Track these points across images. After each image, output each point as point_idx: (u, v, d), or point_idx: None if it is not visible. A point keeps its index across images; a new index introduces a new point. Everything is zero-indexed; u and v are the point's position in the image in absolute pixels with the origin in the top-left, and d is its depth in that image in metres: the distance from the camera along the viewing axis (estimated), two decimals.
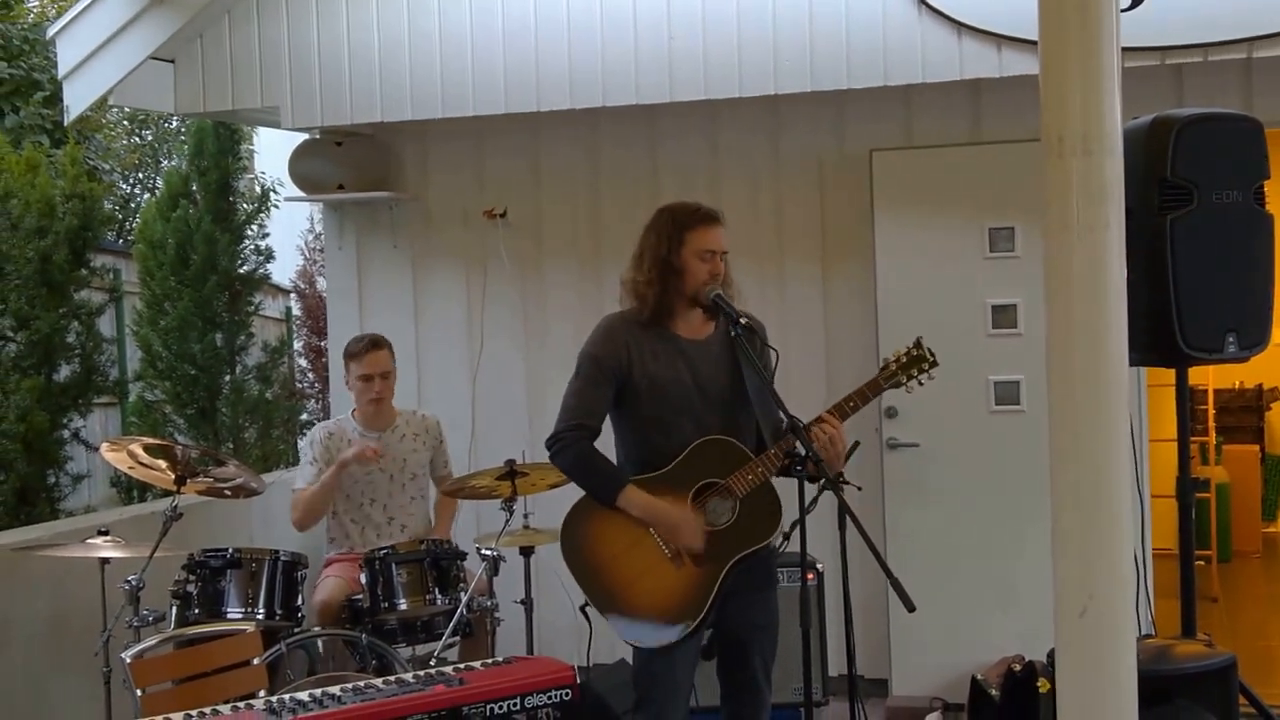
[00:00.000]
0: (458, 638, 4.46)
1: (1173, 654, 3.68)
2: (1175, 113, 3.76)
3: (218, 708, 3.02)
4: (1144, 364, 3.99)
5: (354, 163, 6.06)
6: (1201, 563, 6.44)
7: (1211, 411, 8.17)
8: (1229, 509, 8.15)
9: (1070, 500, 2.36)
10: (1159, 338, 3.68)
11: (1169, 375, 3.99)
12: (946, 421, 5.35)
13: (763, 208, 5.77)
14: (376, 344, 4.99)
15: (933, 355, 3.66)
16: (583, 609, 3.72)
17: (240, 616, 4.25)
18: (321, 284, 10.06)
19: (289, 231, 10.60)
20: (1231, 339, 3.73)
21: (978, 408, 5.39)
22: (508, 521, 4.45)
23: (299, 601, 4.42)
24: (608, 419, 3.68)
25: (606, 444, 3.68)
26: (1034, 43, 4.70)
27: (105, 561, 4.24)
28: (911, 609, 3.19)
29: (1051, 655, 3.88)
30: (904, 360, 3.66)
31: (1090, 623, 2.32)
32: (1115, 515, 2.35)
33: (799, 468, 3.44)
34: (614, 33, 5.29)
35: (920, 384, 3.68)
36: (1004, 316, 5.37)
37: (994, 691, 4.67)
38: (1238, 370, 8.61)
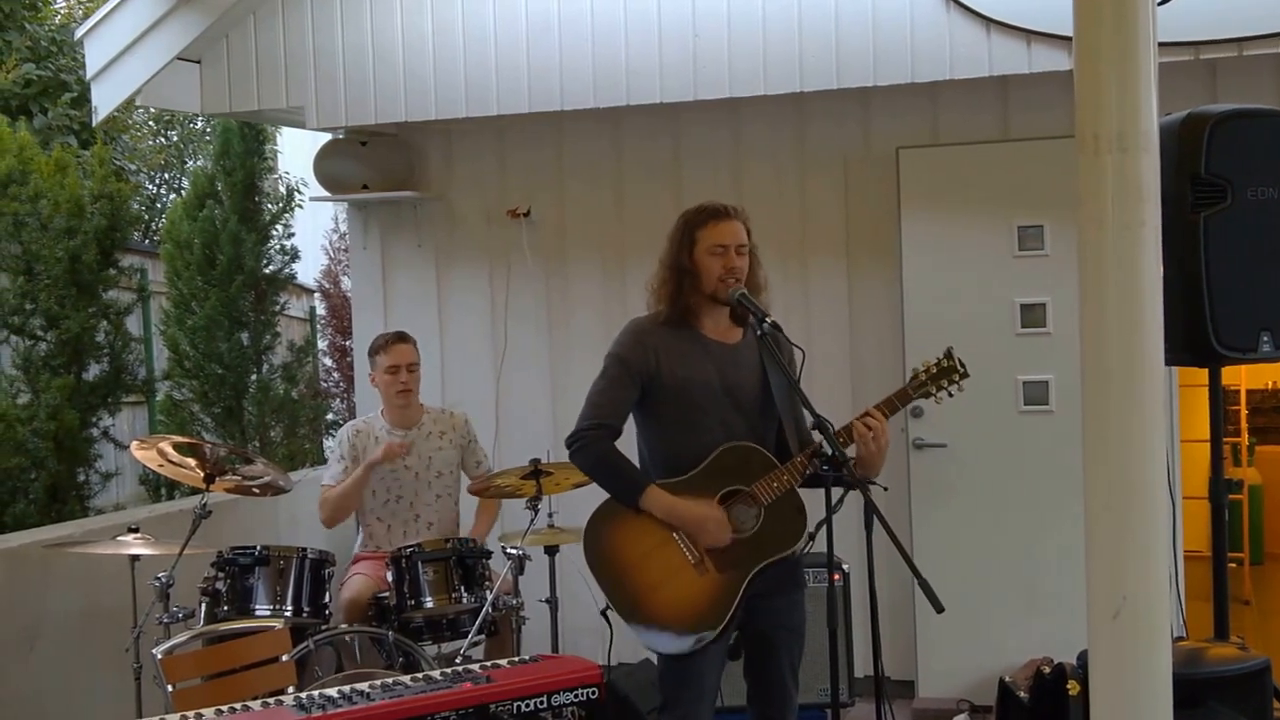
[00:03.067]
0: (483, 636, 4.46)
1: (1206, 657, 3.64)
2: (1209, 109, 3.72)
3: (248, 703, 3.03)
4: (1177, 363, 3.95)
5: (378, 162, 6.08)
6: (1234, 565, 6.39)
7: (1244, 412, 8.11)
8: (1262, 511, 8.09)
9: (1104, 501, 2.34)
10: (1192, 337, 3.64)
11: (1201, 375, 3.95)
12: (974, 422, 5.32)
13: (788, 205, 5.75)
14: (402, 337, 5.03)
15: (963, 366, 3.62)
16: (604, 612, 3.71)
17: (269, 613, 4.27)
18: (346, 284, 10.09)
19: (313, 231, 10.62)
20: (1266, 338, 3.68)
21: (1006, 408, 5.36)
22: (533, 521, 4.45)
23: (326, 599, 4.43)
24: (632, 421, 3.67)
25: (629, 447, 3.67)
26: (1064, 38, 4.72)
27: (135, 559, 4.28)
28: (940, 610, 3.17)
29: (1081, 657, 3.86)
30: (934, 371, 3.62)
31: (1124, 624, 2.30)
32: (1150, 515, 2.32)
33: (826, 468, 3.42)
34: (638, 31, 5.28)
35: (950, 395, 3.65)
36: (1032, 315, 5.33)
37: (1022, 694, 4.63)
38: (1270, 370, 8.54)
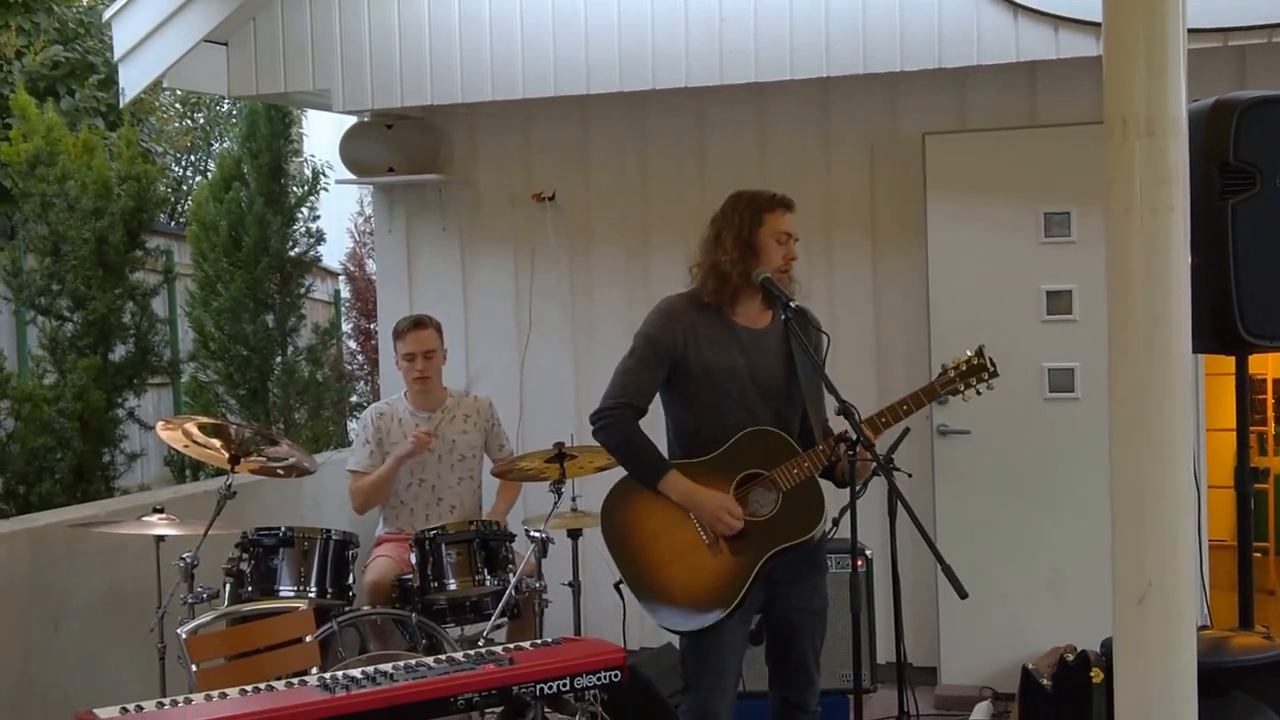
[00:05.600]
0: (506, 618, 4.47)
1: (1230, 646, 3.63)
2: (1238, 95, 3.68)
3: (271, 684, 3.05)
4: (1204, 351, 3.92)
5: (404, 146, 6.09)
6: (1259, 554, 6.36)
7: (1271, 401, 8.03)
8: None
9: (1130, 488, 2.33)
10: (1219, 324, 3.61)
11: (1228, 364, 3.92)
12: (999, 409, 5.27)
13: (813, 192, 5.72)
14: (419, 323, 5.02)
15: (994, 365, 3.62)
16: (617, 586, 3.73)
17: (293, 594, 4.28)
18: (371, 267, 10.12)
19: (339, 214, 10.65)
20: None
21: (1031, 395, 5.34)
22: (556, 504, 4.46)
23: (350, 580, 4.45)
24: (660, 399, 3.68)
25: (655, 426, 3.68)
26: (1092, 24, 4.68)
27: (160, 539, 4.30)
28: (964, 595, 3.18)
29: (1105, 645, 3.84)
30: (964, 369, 3.62)
31: (1149, 610, 2.29)
32: (1175, 503, 2.32)
33: (851, 453, 3.42)
34: (664, 14, 5.27)
35: (979, 393, 3.64)
36: (1059, 302, 5.31)
37: (1045, 681, 4.62)
38: None
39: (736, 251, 3.58)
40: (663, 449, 3.65)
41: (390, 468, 4.87)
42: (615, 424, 3.59)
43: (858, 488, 3.47)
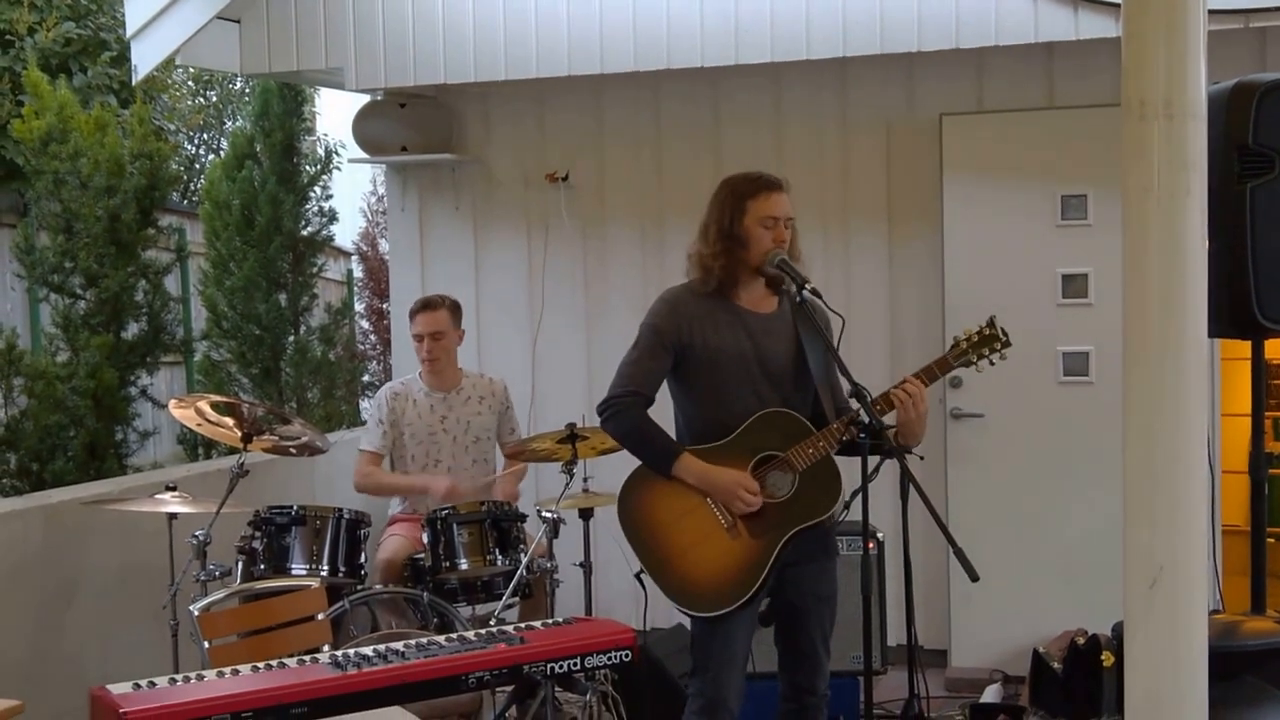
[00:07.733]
0: (517, 598, 4.49)
1: (1242, 630, 3.62)
2: (1258, 78, 3.65)
3: (283, 660, 3.06)
4: (1220, 335, 3.90)
5: (417, 125, 6.08)
6: (1272, 540, 6.33)
7: None
8: None
9: (1143, 472, 2.32)
10: (1235, 309, 3.59)
11: (1243, 348, 3.90)
12: (1012, 392, 5.28)
13: (829, 173, 5.71)
14: (428, 304, 5.02)
15: (1006, 335, 3.59)
16: (638, 576, 3.73)
17: (305, 573, 4.30)
18: (383, 246, 10.11)
19: (352, 193, 10.65)
20: None
21: (1045, 378, 5.33)
22: (568, 484, 4.46)
23: (362, 559, 4.47)
24: (669, 389, 3.67)
25: (665, 415, 3.67)
26: (1111, 4, 4.64)
27: (173, 517, 4.31)
28: (975, 578, 3.17)
29: (1116, 628, 3.84)
30: (975, 339, 3.59)
31: (1160, 594, 2.28)
32: (1189, 487, 2.30)
33: (863, 436, 3.41)
34: None
35: (992, 364, 3.62)
36: (1074, 286, 5.29)
37: (1056, 664, 4.63)
38: None
39: (719, 244, 3.56)
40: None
41: (406, 487, 4.93)
42: (623, 412, 3.58)
43: (869, 470, 3.46)
